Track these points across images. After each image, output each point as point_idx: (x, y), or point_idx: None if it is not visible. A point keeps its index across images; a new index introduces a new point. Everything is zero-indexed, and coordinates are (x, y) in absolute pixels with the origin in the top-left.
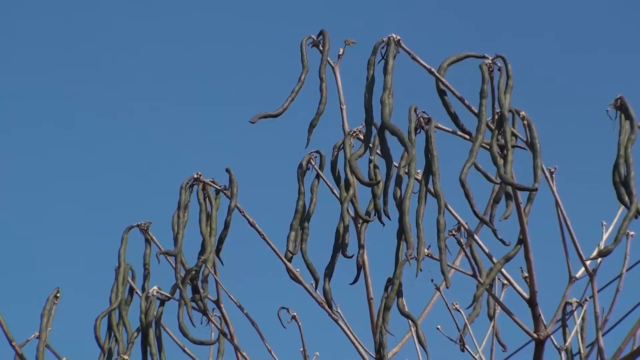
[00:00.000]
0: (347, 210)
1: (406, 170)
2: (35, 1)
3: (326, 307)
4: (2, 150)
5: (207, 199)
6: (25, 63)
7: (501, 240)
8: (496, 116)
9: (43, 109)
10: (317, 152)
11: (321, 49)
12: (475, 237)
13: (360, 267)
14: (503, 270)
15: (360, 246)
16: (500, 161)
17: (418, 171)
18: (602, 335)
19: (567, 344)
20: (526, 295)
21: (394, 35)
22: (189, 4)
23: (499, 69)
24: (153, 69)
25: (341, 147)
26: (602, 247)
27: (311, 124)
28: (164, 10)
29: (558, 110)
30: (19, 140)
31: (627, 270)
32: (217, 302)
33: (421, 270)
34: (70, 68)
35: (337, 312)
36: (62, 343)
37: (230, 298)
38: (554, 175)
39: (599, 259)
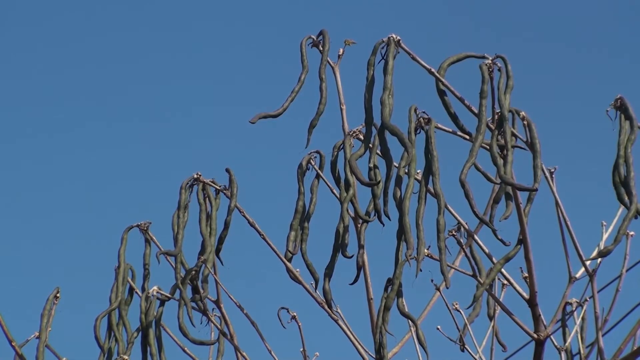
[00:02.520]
0: (347, 211)
1: (406, 171)
2: (37, 5)
3: (326, 307)
4: (4, 153)
5: (207, 199)
6: (25, 68)
7: (501, 240)
8: (496, 116)
9: (43, 112)
10: (317, 152)
11: (321, 49)
12: (475, 237)
13: (360, 267)
14: (503, 270)
15: (360, 246)
16: (500, 161)
17: (418, 171)
18: (602, 336)
19: (567, 344)
20: (526, 295)
21: (394, 36)
22: (189, 6)
23: (499, 69)
24: (153, 71)
25: (341, 147)
26: (602, 247)
27: (311, 124)
28: (164, 13)
29: (558, 110)
30: (20, 144)
31: (627, 270)
32: (217, 302)
33: (421, 270)
34: (71, 72)
35: (337, 312)
36: (62, 343)
37: (230, 298)
38: (553, 175)
39: (599, 259)
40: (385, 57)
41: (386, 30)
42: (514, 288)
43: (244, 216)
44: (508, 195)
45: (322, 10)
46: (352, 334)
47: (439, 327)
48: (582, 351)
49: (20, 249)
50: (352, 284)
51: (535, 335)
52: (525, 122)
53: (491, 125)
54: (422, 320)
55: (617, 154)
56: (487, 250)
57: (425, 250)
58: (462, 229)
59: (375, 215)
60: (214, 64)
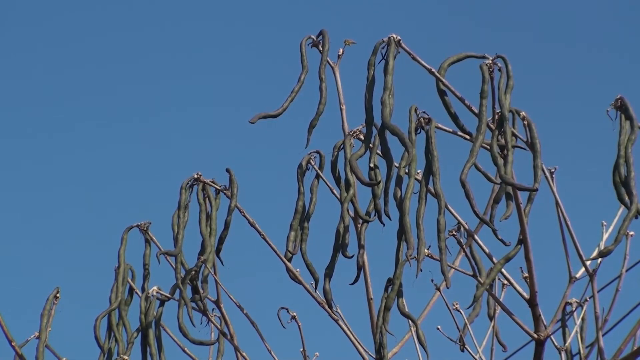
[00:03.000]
0: (347, 210)
1: (406, 171)
2: (37, 5)
3: (326, 307)
4: (4, 152)
5: (207, 199)
6: (25, 68)
7: (501, 240)
8: (496, 116)
9: (43, 112)
10: (317, 152)
11: (321, 49)
12: (475, 237)
13: (360, 267)
14: (503, 270)
15: (360, 246)
16: (501, 161)
17: (418, 171)
18: (602, 336)
19: (567, 344)
20: (526, 295)
21: (394, 36)
22: (189, 6)
23: (499, 69)
24: (152, 71)
25: (341, 147)
26: (602, 247)
27: (311, 124)
28: (164, 13)
29: (558, 110)
30: (20, 144)
31: (627, 270)
32: (217, 302)
33: (421, 270)
34: (71, 72)
35: (337, 312)
36: (62, 343)
37: (230, 298)
38: (554, 175)
39: (599, 259)
40: (385, 57)
41: (386, 30)
42: (514, 288)
43: (244, 216)
44: (508, 195)
45: (322, 10)
46: (352, 334)
47: (439, 327)
48: (582, 351)
49: (20, 249)
50: (352, 284)
51: (535, 335)
52: (525, 122)
53: (491, 125)
54: (422, 320)
55: (617, 154)
56: (487, 250)
57: (426, 250)
58: (462, 229)
59: (375, 215)
60: (214, 64)
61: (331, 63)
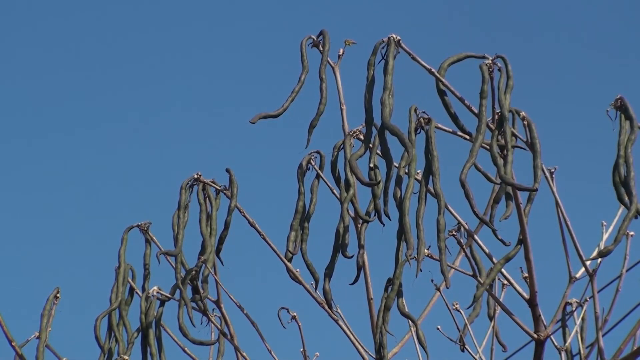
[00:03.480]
0: (347, 211)
1: (406, 171)
2: (37, 5)
3: (326, 307)
4: (4, 153)
5: (207, 199)
6: (25, 68)
7: (501, 240)
8: (496, 116)
9: (43, 113)
10: (317, 152)
11: (321, 49)
12: (475, 237)
13: (360, 267)
14: (503, 270)
15: (360, 246)
16: (500, 161)
17: (418, 171)
18: (602, 336)
19: (567, 344)
20: (526, 296)
21: (394, 36)
22: (189, 6)
23: (499, 69)
24: (153, 71)
25: (341, 147)
26: (602, 247)
27: (311, 124)
28: (164, 13)
29: (558, 110)
30: (20, 144)
31: (627, 270)
32: (217, 302)
33: (421, 270)
34: (71, 72)
35: (337, 312)
36: (62, 343)
37: (230, 298)
38: (554, 176)
39: (599, 259)
40: (385, 57)
41: (386, 30)
42: (514, 288)
43: (244, 216)
44: (508, 195)
45: (322, 10)
46: (352, 334)
47: (439, 327)
48: (582, 351)
49: (20, 249)
50: (352, 284)
51: (535, 335)
52: (525, 122)
53: (491, 125)
54: (422, 320)
55: (617, 154)
56: (487, 250)
57: (426, 250)
58: (462, 229)
59: (375, 215)
60: (214, 64)
61: (331, 63)
